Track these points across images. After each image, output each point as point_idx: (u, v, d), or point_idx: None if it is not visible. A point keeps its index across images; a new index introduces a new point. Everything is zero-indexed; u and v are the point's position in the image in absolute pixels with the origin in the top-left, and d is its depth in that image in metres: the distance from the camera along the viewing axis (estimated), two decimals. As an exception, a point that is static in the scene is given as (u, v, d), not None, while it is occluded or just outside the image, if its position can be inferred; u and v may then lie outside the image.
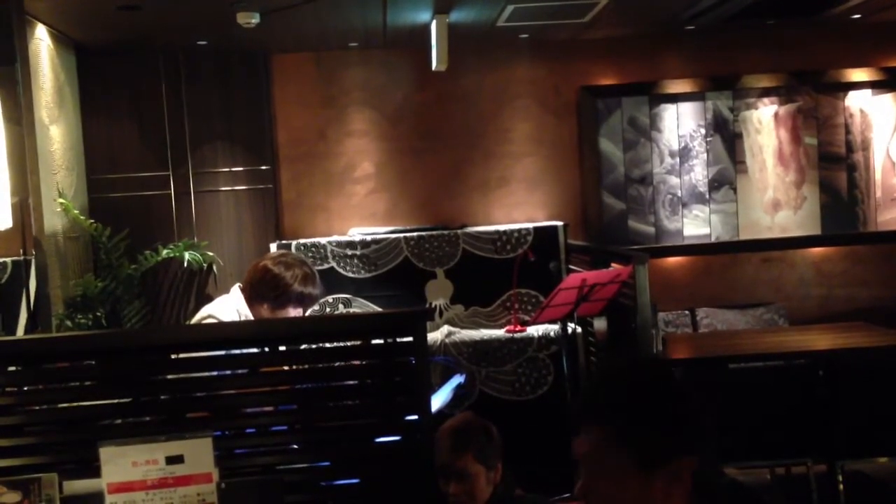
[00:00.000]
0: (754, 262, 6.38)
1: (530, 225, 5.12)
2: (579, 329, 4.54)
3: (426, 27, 5.42)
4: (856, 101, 6.32)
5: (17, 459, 2.06)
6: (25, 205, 4.15)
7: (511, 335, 4.51)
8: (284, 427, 2.25)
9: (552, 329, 4.44)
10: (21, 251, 4.12)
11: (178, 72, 5.91)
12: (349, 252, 4.88)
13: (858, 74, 6.30)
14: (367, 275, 4.89)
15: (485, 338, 4.54)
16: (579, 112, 6.28)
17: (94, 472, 1.93)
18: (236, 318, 3.00)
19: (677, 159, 6.28)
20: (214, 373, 2.25)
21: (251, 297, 3.03)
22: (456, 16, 5.22)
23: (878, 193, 6.35)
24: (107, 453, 1.91)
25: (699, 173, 6.28)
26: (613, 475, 1.25)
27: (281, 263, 3.02)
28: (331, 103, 6.20)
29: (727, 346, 4.74)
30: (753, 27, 6.09)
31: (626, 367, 1.36)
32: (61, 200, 5.08)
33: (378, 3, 4.90)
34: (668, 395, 1.30)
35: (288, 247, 4.98)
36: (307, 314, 3.15)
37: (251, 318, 3.03)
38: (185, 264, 5.71)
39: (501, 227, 5.08)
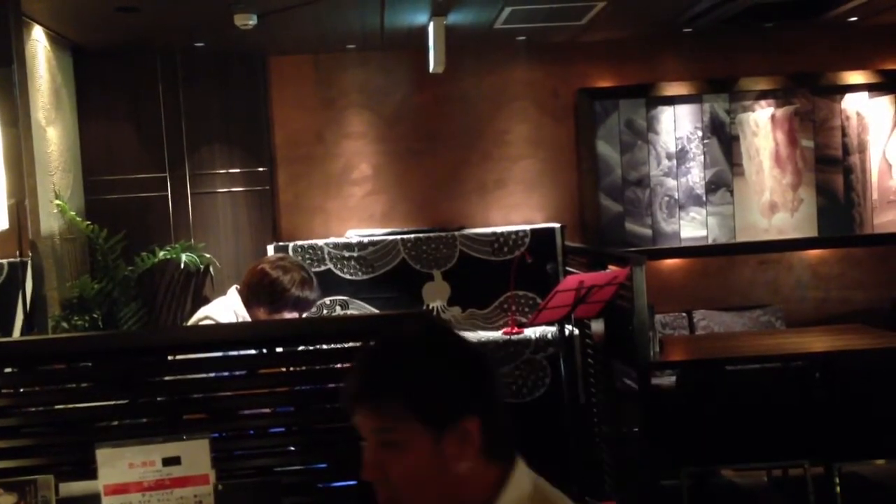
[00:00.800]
0: (751, 264, 6.39)
1: (527, 227, 5.13)
2: (577, 331, 4.55)
3: (424, 29, 5.42)
4: (852, 104, 6.33)
5: (13, 461, 2.06)
6: (22, 206, 4.14)
7: (508, 337, 4.51)
8: (282, 429, 2.25)
9: (549, 331, 4.44)
10: (17, 253, 4.11)
11: (175, 73, 5.91)
12: (346, 254, 4.88)
13: (855, 77, 6.31)
14: (365, 276, 4.89)
15: (482, 340, 4.54)
16: (577, 114, 6.28)
17: (91, 473, 1.93)
18: (233, 320, 2.99)
19: (674, 161, 6.28)
20: (212, 374, 2.25)
21: (248, 300, 3.03)
22: (453, 18, 5.22)
23: (875, 196, 6.36)
24: (103, 455, 1.90)
25: (696, 175, 6.29)
26: (405, 445, 1.24)
27: (279, 267, 3.02)
28: (328, 105, 6.20)
29: (724, 348, 4.75)
30: (750, 30, 6.10)
31: (401, 337, 1.32)
32: (58, 202, 5.08)
33: (376, 5, 4.90)
34: (450, 356, 1.28)
35: (285, 248, 4.98)
36: (304, 317, 3.15)
37: (248, 320, 3.02)
38: (182, 266, 5.71)
39: (499, 229, 5.08)
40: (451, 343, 1.31)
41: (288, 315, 3.01)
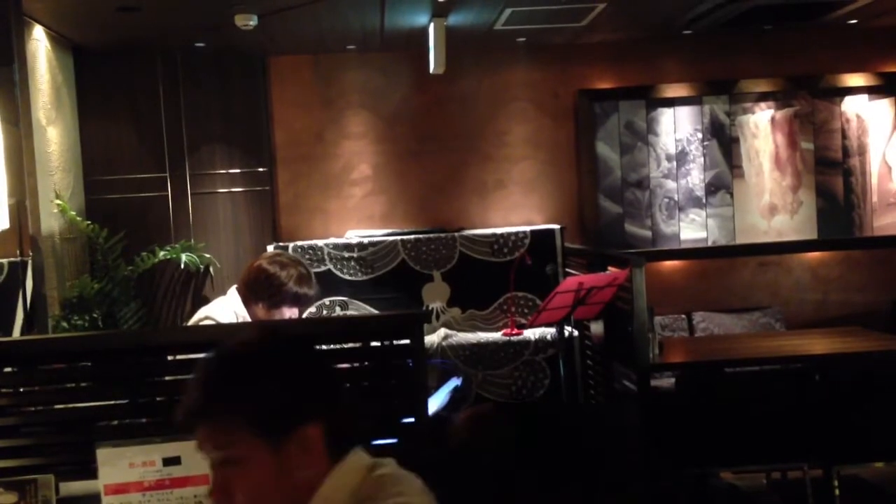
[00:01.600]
0: (751, 266, 6.39)
1: (527, 228, 5.12)
2: (576, 332, 4.55)
3: (424, 30, 5.42)
4: (852, 106, 6.33)
5: (14, 461, 2.06)
6: (22, 206, 4.14)
7: (508, 338, 4.51)
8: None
9: (549, 332, 4.44)
10: (18, 252, 4.11)
11: (175, 74, 5.91)
12: (346, 254, 4.88)
13: (855, 79, 6.32)
14: (364, 277, 4.89)
15: (482, 341, 4.54)
16: (577, 116, 6.29)
17: (91, 473, 1.93)
18: (233, 320, 2.99)
19: (674, 163, 6.29)
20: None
21: (247, 297, 3.02)
22: (454, 19, 5.22)
23: (874, 198, 6.37)
24: (104, 454, 1.90)
25: (696, 177, 6.29)
26: (246, 461, 1.22)
27: (276, 263, 3.01)
28: (328, 105, 6.21)
29: (723, 350, 4.75)
30: (750, 32, 6.10)
31: (235, 349, 1.29)
32: (58, 202, 5.08)
33: (376, 6, 4.90)
34: (285, 365, 1.26)
35: (285, 249, 4.98)
36: (303, 316, 3.14)
37: (248, 319, 3.02)
38: (182, 266, 5.71)
39: (498, 230, 5.08)
40: (288, 351, 1.29)
41: (287, 311, 3.00)
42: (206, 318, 3.00)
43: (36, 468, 2.02)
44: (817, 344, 4.71)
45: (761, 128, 6.31)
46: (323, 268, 4.84)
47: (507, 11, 5.10)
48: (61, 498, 1.97)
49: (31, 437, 2.13)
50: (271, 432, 1.22)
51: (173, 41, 5.65)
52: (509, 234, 4.91)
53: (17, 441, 2.10)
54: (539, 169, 6.31)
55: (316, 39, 5.74)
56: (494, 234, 4.94)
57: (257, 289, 2.98)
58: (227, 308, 3.03)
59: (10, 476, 1.97)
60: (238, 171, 6.01)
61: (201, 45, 5.66)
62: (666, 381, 4.83)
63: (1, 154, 3.87)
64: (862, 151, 6.36)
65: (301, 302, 3.02)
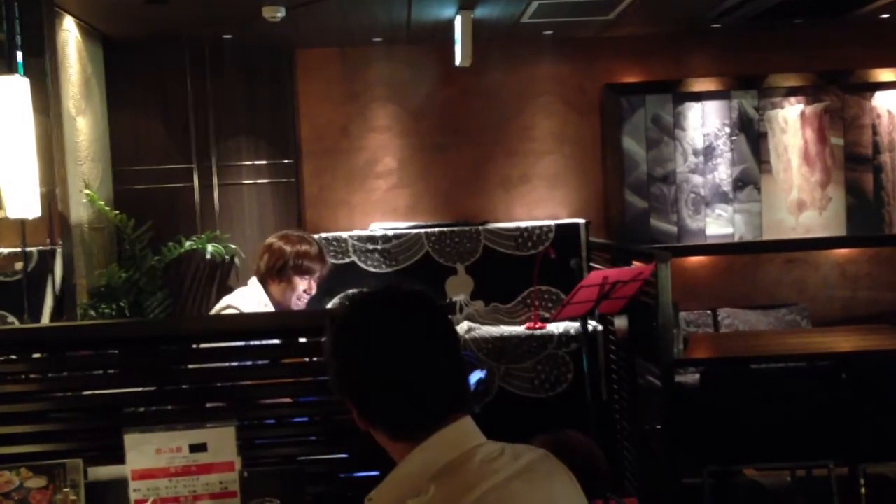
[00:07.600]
0: (778, 262, 6.33)
1: (552, 222, 5.11)
2: (600, 327, 4.53)
3: (450, 23, 5.42)
4: (883, 102, 6.24)
5: (42, 445, 2.09)
6: (53, 195, 4.20)
7: (531, 332, 4.50)
8: (305, 418, 2.26)
9: (573, 326, 4.42)
10: (48, 241, 4.17)
11: (203, 66, 5.95)
12: (370, 247, 4.89)
13: (886, 75, 6.23)
14: (388, 269, 4.90)
15: (505, 334, 4.54)
16: (603, 110, 6.25)
17: (119, 458, 1.95)
18: (257, 309, 3.02)
19: (701, 158, 6.23)
20: (235, 363, 2.27)
21: (262, 278, 3.09)
22: (481, 11, 5.21)
23: (905, 195, 6.28)
24: (131, 440, 1.93)
25: (723, 172, 6.24)
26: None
27: (282, 238, 3.12)
28: (354, 98, 6.22)
29: (749, 346, 4.71)
30: (780, 26, 6.03)
31: (334, 314, 1.40)
32: (87, 191, 5.13)
33: (403, -1, 4.90)
34: (347, 337, 1.33)
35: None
36: (314, 289, 3.16)
37: (271, 308, 3.05)
38: (208, 256, 5.75)
39: (523, 224, 5.06)
40: (355, 325, 1.33)
41: (299, 282, 3.05)
42: (229, 307, 3.03)
43: (64, 453, 2.05)
44: (844, 341, 4.66)
45: (790, 123, 6.24)
46: (347, 260, 4.85)
47: (535, 4, 5.08)
48: (89, 482, 1.99)
49: (59, 422, 2.16)
50: (338, 389, 1.34)
51: (201, 33, 5.68)
52: (534, 228, 4.89)
53: (46, 426, 2.13)
54: (564, 163, 6.29)
55: (342, 32, 5.75)
56: (519, 228, 4.93)
57: (266, 265, 3.07)
58: (250, 297, 3.07)
59: (39, 460, 2.00)
60: (264, 162, 6.04)
61: (229, 37, 5.70)
62: (690, 377, 4.80)
63: (33, 143, 3.92)
64: (892, 147, 6.27)
65: (304, 272, 3.06)
